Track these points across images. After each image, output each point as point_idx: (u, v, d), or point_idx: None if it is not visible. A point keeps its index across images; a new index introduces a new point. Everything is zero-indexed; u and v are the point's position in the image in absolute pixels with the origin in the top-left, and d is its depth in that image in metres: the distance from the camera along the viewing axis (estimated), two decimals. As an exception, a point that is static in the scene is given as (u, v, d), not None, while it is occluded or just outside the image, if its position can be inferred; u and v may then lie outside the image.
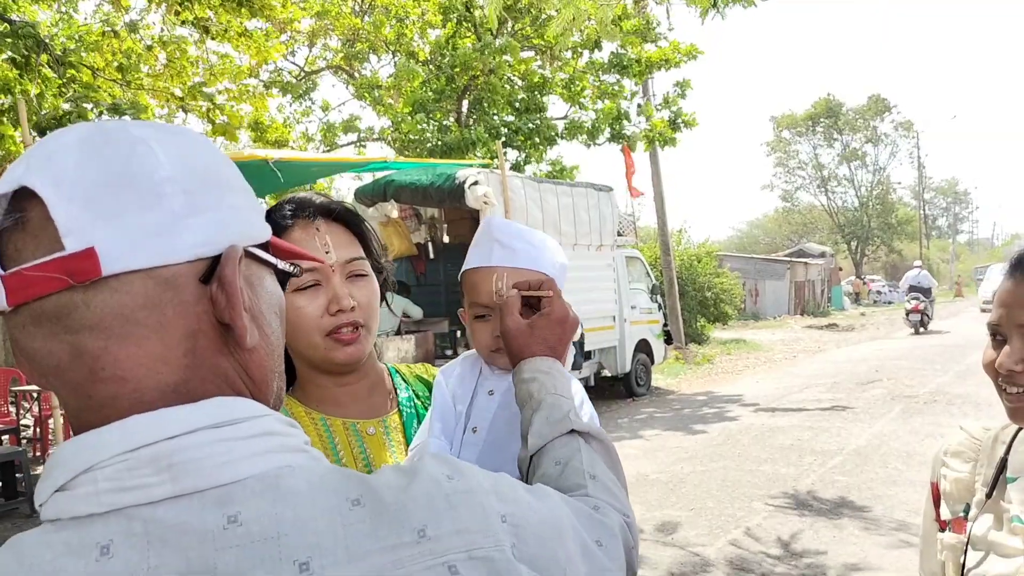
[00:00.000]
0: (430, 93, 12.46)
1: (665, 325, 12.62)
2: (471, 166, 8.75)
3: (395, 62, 13.81)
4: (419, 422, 1.42)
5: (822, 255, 37.96)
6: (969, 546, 1.24)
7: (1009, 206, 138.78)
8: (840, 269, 42.20)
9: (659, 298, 12.40)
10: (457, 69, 12.03)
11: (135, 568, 0.54)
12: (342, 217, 1.32)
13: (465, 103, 13.28)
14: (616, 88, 13.32)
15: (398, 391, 1.44)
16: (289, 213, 1.30)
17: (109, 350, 0.58)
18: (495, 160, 9.52)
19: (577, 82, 12.85)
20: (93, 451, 0.57)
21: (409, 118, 12.39)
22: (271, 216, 1.31)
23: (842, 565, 4.67)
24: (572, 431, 0.96)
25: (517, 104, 12.81)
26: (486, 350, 1.40)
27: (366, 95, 13.70)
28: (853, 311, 33.81)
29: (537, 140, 12.42)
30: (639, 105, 13.92)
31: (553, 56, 13.08)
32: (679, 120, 13.38)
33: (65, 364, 0.59)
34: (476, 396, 1.42)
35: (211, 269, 0.62)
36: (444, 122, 12.84)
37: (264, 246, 0.69)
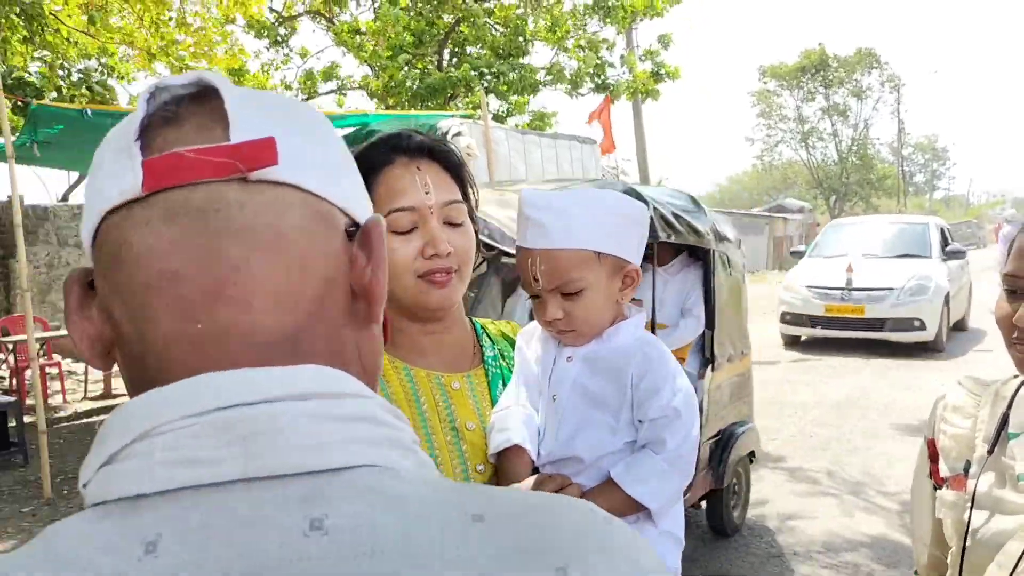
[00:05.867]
0: (410, 37, 12.21)
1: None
2: (453, 116, 8.62)
3: (375, 8, 13.49)
4: (503, 383, 1.37)
5: (800, 210, 38.14)
6: (974, 505, 1.22)
7: (985, 163, 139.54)
8: (818, 225, 42.43)
9: (640, 252, 12.44)
10: (435, 3, 11.78)
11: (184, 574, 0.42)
12: (443, 158, 1.26)
13: (447, 51, 13.03)
14: (597, 37, 13.14)
15: (483, 348, 1.39)
16: (390, 149, 1.24)
17: (251, 263, 0.48)
18: (477, 111, 9.38)
19: (560, 26, 12.63)
20: (153, 411, 0.46)
21: (390, 64, 12.15)
22: (369, 153, 1.24)
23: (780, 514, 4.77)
24: None
25: (500, 50, 12.60)
26: (543, 328, 1.36)
27: (347, 41, 13.40)
28: (830, 266, 34.01)
29: (520, 87, 12.25)
30: (622, 56, 13.75)
31: (535, 1, 12.83)
32: (662, 72, 13.24)
33: (186, 272, 0.48)
34: (557, 362, 1.36)
35: (353, 234, 0.55)
36: (426, 68, 12.60)
37: None
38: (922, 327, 9.93)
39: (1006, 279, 1.18)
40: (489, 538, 0.44)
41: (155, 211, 0.48)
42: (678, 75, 13.30)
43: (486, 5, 12.49)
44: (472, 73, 11.77)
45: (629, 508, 1.29)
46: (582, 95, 12.80)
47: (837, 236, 12.29)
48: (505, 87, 12.25)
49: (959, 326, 11.64)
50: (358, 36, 13.25)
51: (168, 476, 0.44)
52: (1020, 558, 1.14)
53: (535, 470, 1.32)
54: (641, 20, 13.22)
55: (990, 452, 1.24)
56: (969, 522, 1.21)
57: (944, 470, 1.31)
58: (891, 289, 10.04)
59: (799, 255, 12.45)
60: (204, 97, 0.51)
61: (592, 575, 0.45)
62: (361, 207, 0.56)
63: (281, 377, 0.47)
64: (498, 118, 12.22)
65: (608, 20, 12.69)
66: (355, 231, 0.54)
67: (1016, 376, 1.26)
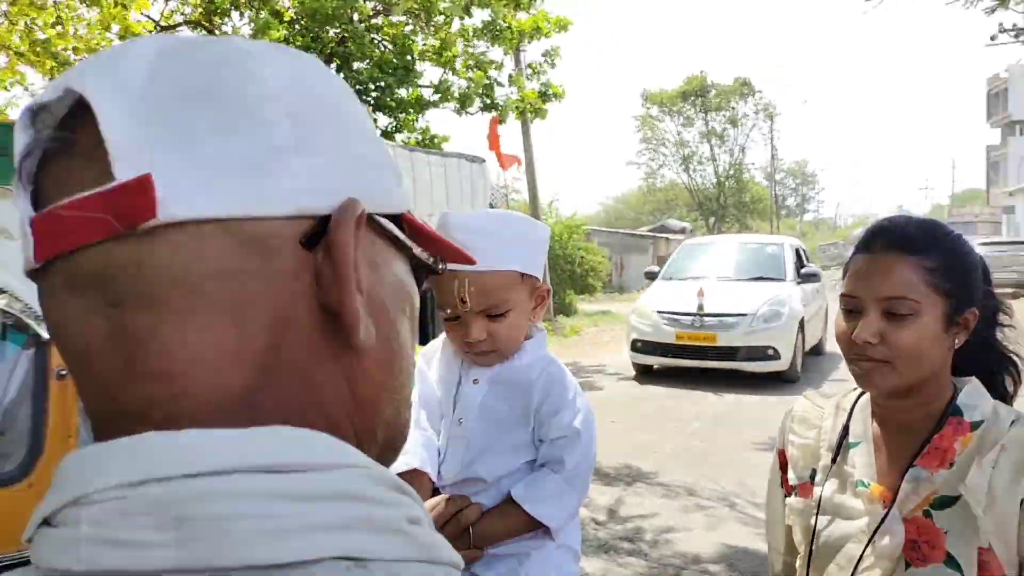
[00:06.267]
0: (294, 52, 12.03)
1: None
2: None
3: (253, 21, 13.21)
4: None
5: (683, 231, 39.64)
6: (819, 511, 1.30)
7: (852, 187, 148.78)
8: (699, 244, 44.15)
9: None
10: (319, 21, 11.63)
11: None
12: None
13: (333, 67, 12.87)
14: (486, 57, 13.28)
15: None
16: None
17: (159, 333, 0.40)
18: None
19: (448, 49, 12.71)
20: (86, 474, 0.39)
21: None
22: None
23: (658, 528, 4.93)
24: None
25: (387, 67, 12.57)
26: (460, 351, 1.36)
27: (228, 53, 13.03)
28: (710, 284, 35.47)
29: (408, 104, 12.24)
30: (510, 75, 13.95)
31: (425, 20, 12.87)
32: (548, 91, 13.51)
33: (96, 348, 0.41)
34: (462, 384, 1.37)
35: (318, 233, 0.43)
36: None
37: (397, 221, 0.50)
38: (776, 356, 9.22)
39: (843, 299, 1.26)
40: None
41: (57, 280, 0.41)
42: (563, 94, 13.59)
43: (374, 21, 12.44)
44: (357, 88, 11.67)
45: (529, 526, 1.33)
46: (471, 114, 12.89)
47: (691, 257, 11.59)
48: (393, 104, 12.21)
49: (816, 350, 11.09)
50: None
51: (93, 556, 0.37)
52: (859, 559, 1.22)
53: (435, 491, 1.33)
54: (529, 42, 13.47)
55: (833, 461, 1.31)
56: (815, 527, 1.29)
57: (793, 479, 1.38)
58: (744, 315, 9.35)
59: (653, 276, 11.57)
60: (82, 113, 0.41)
61: None
62: (333, 189, 0.44)
63: (233, 443, 0.39)
64: (387, 135, 12.16)
65: (497, 42, 12.87)
66: (321, 232, 0.43)
67: (855, 389, 1.35)
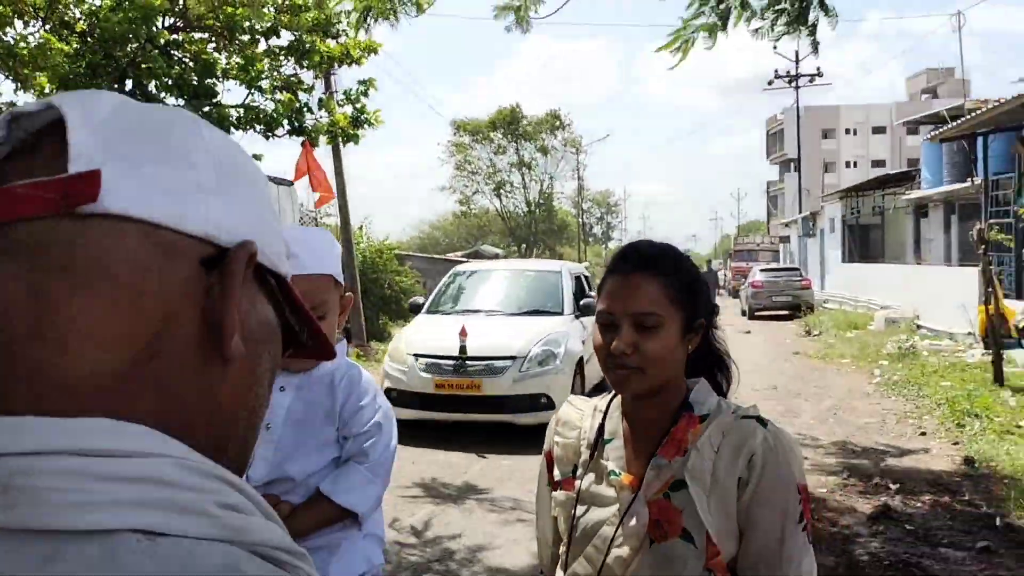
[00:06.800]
0: (82, 68, 11.21)
1: (347, 322, 12.56)
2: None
3: (46, 30, 12.23)
4: None
5: (496, 257, 40.61)
6: (578, 501, 1.46)
7: (653, 215, 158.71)
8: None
9: (339, 295, 12.29)
10: (111, 42, 10.97)
11: None
12: None
13: (129, 82, 12.16)
14: (295, 79, 13.04)
15: None
16: None
17: (72, 302, 0.47)
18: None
19: (254, 65, 12.36)
20: None
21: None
22: None
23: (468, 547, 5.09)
24: None
25: (187, 91, 12.03)
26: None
27: (6, 64, 11.94)
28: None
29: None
30: (320, 99, 13.77)
31: (228, 38, 12.48)
32: (362, 117, 13.44)
33: (10, 307, 0.47)
34: None
35: (217, 260, 0.52)
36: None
37: (282, 286, 0.59)
38: (549, 405, 7.63)
39: (599, 315, 1.44)
40: None
41: None
42: (379, 121, 13.56)
43: (174, 37, 11.90)
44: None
45: (337, 516, 1.46)
46: (278, 137, 12.59)
47: (459, 287, 10.00)
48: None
49: (601, 388, 8.50)
50: (12, 61, 11.88)
51: None
52: (611, 540, 1.39)
53: None
54: (339, 67, 13.37)
55: (591, 456, 1.48)
56: (574, 515, 1.45)
57: (557, 475, 1.54)
58: (513, 358, 7.91)
59: (418, 308, 9.81)
60: (54, 130, 0.50)
61: None
62: (236, 231, 0.54)
63: (61, 430, 0.45)
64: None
65: (305, 64, 12.67)
66: (219, 261, 0.52)
67: (610, 392, 1.53)
